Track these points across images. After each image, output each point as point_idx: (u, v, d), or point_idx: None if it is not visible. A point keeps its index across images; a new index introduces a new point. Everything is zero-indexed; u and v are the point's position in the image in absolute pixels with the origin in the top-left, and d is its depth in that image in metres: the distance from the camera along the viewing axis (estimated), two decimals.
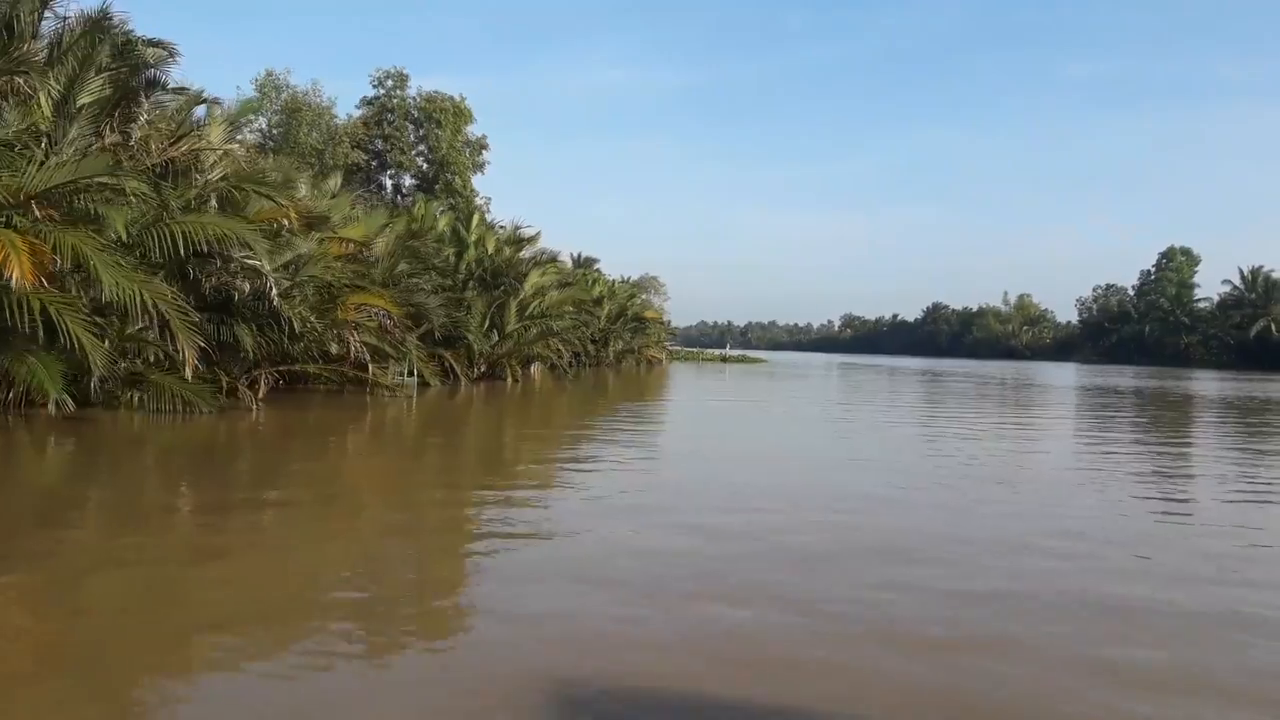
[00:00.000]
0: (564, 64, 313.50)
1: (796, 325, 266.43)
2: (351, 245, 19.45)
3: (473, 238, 28.39)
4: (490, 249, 28.41)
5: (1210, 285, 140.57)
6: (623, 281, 52.95)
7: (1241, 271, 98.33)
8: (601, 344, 44.54)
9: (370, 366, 19.24)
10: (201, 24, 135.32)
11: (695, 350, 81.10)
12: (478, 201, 36.32)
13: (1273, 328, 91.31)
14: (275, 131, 31.09)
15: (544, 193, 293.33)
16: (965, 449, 13.76)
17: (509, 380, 26.79)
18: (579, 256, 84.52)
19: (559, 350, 29.79)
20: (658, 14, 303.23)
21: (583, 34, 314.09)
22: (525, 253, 29.51)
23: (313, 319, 16.91)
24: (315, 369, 18.03)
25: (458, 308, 25.53)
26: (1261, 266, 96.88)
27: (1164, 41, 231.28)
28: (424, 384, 22.79)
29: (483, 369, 26.77)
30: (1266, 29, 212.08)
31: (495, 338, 27.35)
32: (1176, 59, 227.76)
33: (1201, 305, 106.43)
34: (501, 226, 30.65)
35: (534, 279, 28.24)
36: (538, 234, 29.80)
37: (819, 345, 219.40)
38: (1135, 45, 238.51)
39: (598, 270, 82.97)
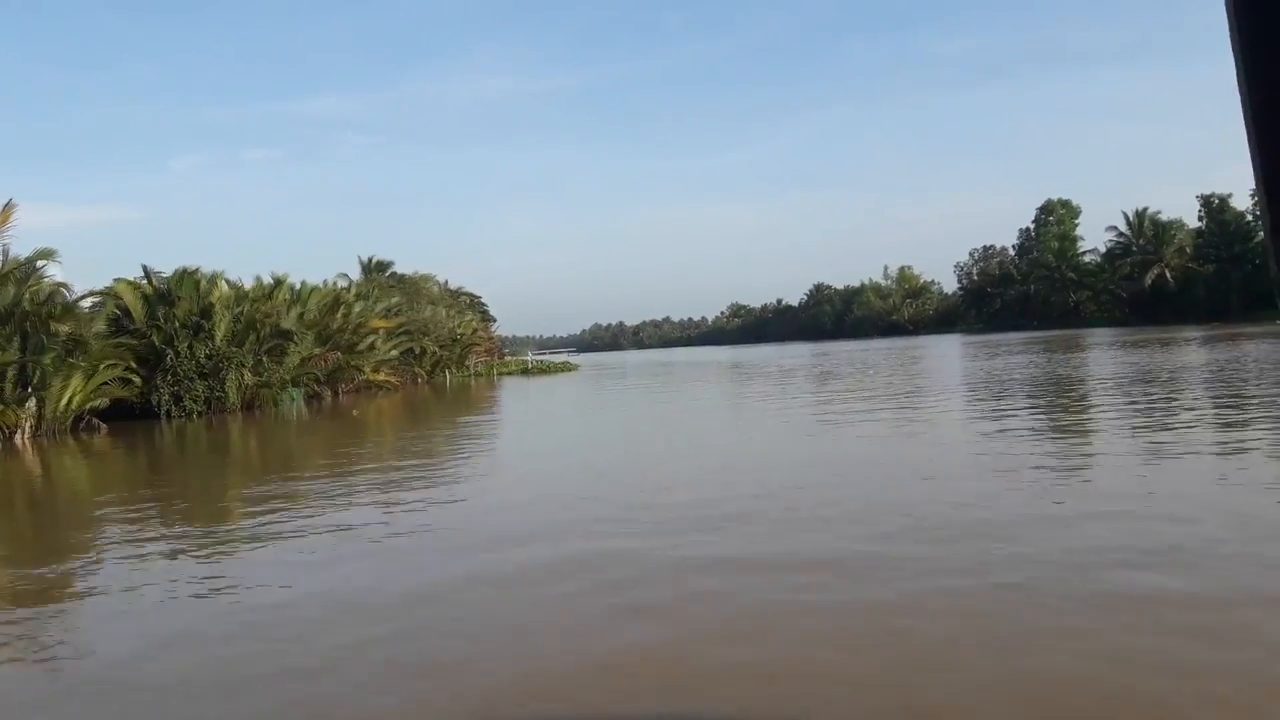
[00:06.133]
0: (443, 74, 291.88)
1: (690, 320, 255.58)
2: None
3: None
4: None
5: (1095, 238, 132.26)
6: (267, 283, 36.12)
7: (1126, 216, 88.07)
8: (214, 377, 28.91)
9: None
10: None
11: (496, 362, 65.69)
12: None
13: (1167, 275, 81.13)
14: None
15: (430, 214, 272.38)
16: None
17: None
18: (370, 261, 67.91)
19: None
20: (534, 18, 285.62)
21: (459, 43, 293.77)
22: None
23: None
24: None
25: None
26: (1147, 208, 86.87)
27: (1020, 15, 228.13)
28: None
29: None
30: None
31: None
32: (1032, 31, 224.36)
33: (1088, 259, 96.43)
34: None
35: None
36: None
37: (709, 338, 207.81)
38: (996, 21, 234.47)
39: (391, 275, 66.68)
